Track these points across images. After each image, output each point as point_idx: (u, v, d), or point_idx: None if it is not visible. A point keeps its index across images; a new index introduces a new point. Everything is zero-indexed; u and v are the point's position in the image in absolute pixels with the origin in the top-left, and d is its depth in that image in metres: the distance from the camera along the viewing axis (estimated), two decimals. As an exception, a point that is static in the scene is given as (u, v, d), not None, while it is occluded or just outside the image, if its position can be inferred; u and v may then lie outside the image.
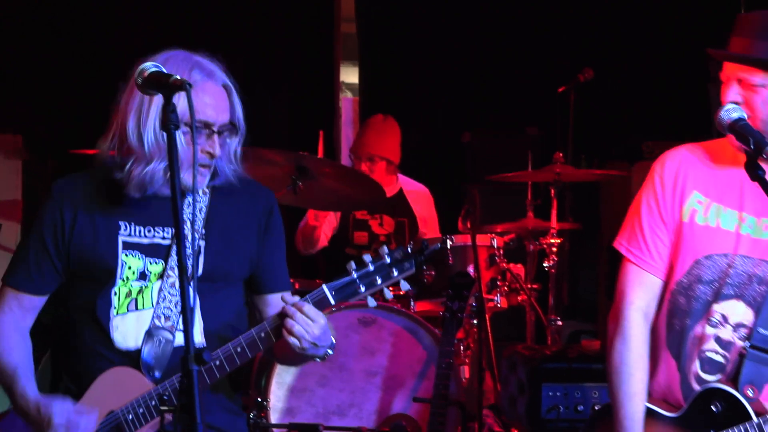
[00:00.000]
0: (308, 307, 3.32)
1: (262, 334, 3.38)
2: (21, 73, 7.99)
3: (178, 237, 2.83)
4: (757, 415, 3.37)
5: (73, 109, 7.89)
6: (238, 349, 3.37)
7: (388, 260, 3.37)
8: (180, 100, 3.04)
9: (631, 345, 3.56)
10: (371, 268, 3.36)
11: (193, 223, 3.46)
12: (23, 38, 8.02)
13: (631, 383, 3.53)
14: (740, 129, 3.29)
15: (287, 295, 3.42)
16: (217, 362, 3.36)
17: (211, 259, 3.53)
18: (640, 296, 3.60)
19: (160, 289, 3.50)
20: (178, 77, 2.99)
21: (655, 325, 3.63)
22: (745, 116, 3.31)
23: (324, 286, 3.37)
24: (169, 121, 2.92)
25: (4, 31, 7.99)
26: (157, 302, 3.50)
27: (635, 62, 8.17)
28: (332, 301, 3.37)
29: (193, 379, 2.76)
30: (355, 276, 3.35)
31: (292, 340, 3.31)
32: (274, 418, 5.47)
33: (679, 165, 3.60)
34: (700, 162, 3.59)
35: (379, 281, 3.37)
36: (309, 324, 3.31)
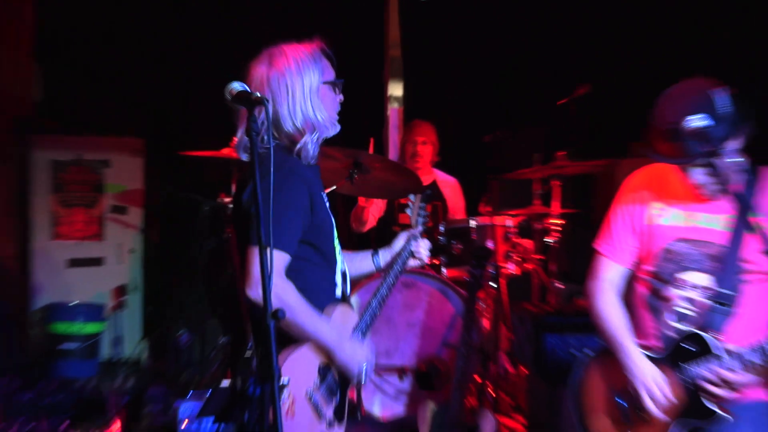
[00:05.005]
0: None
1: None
2: (142, 90, 7.95)
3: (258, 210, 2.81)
4: (722, 349, 3.41)
5: (181, 119, 7.89)
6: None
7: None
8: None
9: (606, 299, 3.73)
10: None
11: None
12: (143, 62, 7.98)
13: (614, 319, 3.66)
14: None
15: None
16: None
17: None
18: (608, 277, 3.77)
19: None
20: (258, 94, 2.94)
21: (635, 294, 3.72)
22: None
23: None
24: (251, 129, 2.90)
25: (128, 56, 7.95)
26: None
27: (622, 82, 8.13)
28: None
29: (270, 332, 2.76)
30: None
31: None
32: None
33: (639, 184, 3.72)
34: (655, 179, 3.68)
35: None
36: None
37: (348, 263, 3.61)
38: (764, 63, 7.01)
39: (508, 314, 6.26)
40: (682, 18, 8.08)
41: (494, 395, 5.96)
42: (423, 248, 3.74)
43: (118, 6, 7.89)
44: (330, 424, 3.35)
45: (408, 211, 3.89)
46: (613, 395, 3.63)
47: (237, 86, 2.96)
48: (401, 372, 5.60)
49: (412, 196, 3.91)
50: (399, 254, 3.70)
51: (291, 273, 3.27)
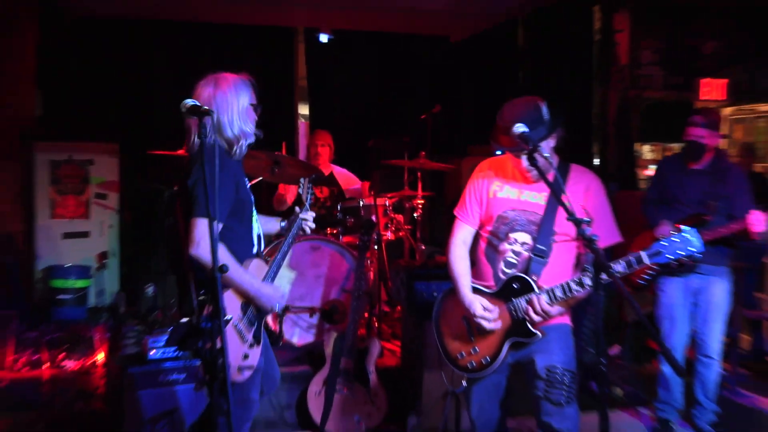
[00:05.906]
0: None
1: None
2: (117, 108, 7.80)
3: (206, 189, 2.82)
4: (538, 287, 3.45)
5: (147, 128, 7.73)
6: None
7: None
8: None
9: (457, 253, 3.66)
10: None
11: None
12: (118, 86, 7.84)
13: (460, 268, 3.62)
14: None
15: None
16: None
17: None
18: (461, 235, 3.69)
19: None
20: (206, 107, 2.93)
21: (479, 247, 3.68)
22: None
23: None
24: (202, 133, 2.88)
25: (106, 82, 7.81)
26: None
27: (465, 102, 8.18)
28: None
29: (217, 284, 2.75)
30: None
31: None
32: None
33: (485, 168, 3.68)
34: (497, 165, 3.64)
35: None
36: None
37: (262, 225, 3.60)
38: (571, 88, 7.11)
39: (387, 268, 6.23)
40: (508, 59, 8.20)
41: (378, 326, 5.97)
42: (309, 219, 3.74)
43: (97, 46, 7.84)
44: (251, 345, 3.34)
45: (300, 190, 3.85)
46: (460, 320, 3.62)
47: (190, 102, 2.91)
48: (311, 311, 5.54)
49: (302, 179, 3.87)
50: (294, 221, 3.70)
51: (221, 236, 3.23)
